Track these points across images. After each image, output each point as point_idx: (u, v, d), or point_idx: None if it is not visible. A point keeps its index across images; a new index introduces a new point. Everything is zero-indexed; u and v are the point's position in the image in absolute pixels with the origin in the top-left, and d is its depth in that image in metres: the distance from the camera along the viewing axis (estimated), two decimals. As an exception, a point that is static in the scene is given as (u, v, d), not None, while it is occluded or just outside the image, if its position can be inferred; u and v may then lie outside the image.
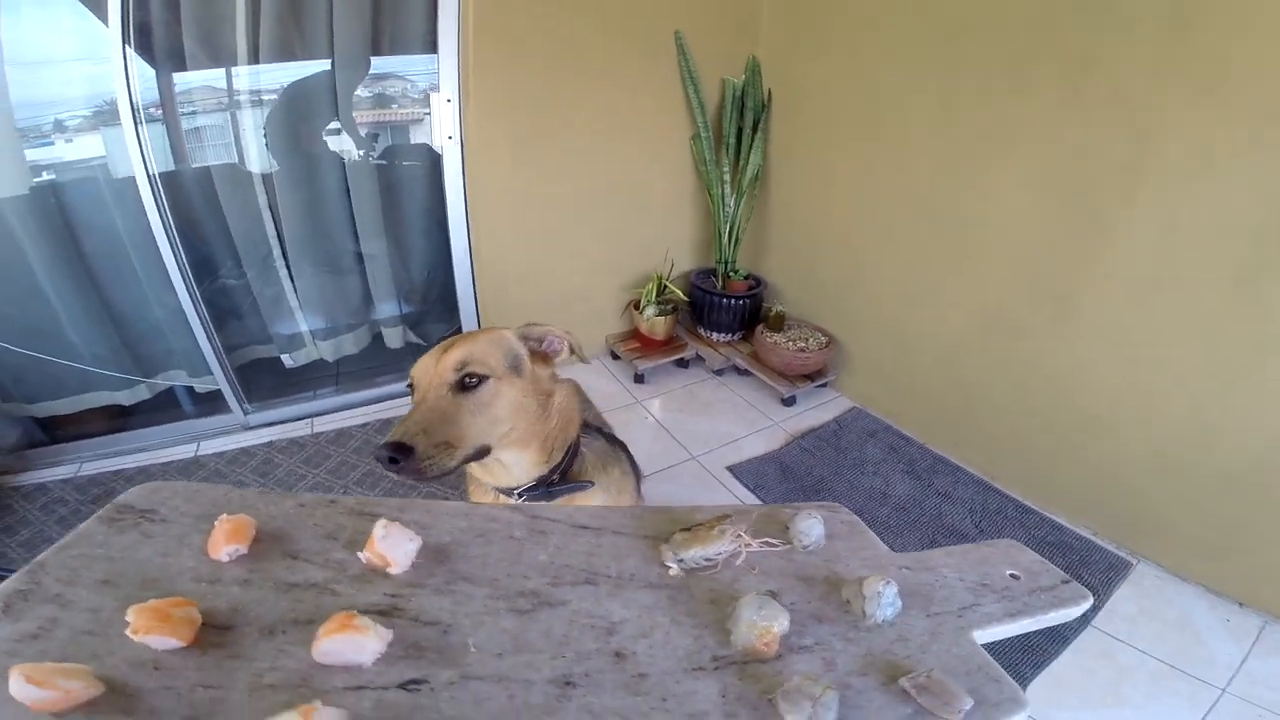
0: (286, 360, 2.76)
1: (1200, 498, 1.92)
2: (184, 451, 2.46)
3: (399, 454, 0.87)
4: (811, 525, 0.85)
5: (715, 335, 3.08)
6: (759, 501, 2.31)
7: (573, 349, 1.15)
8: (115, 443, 2.43)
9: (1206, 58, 1.62)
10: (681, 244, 3.15)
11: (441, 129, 2.48)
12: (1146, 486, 2.04)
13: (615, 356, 3.07)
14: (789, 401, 2.83)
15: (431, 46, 2.39)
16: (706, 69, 2.80)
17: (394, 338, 2.98)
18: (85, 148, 2.25)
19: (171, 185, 2.25)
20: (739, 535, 0.80)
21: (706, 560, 0.78)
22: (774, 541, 0.84)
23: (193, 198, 2.41)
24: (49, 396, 2.39)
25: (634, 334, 3.03)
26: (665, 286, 2.94)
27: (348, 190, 2.57)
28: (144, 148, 2.09)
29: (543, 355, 1.14)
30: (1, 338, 2.21)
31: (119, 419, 2.55)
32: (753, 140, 2.84)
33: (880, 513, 2.29)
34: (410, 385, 1.04)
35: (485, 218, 2.63)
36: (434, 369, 1.00)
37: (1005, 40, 2.04)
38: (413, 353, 2.99)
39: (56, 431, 2.44)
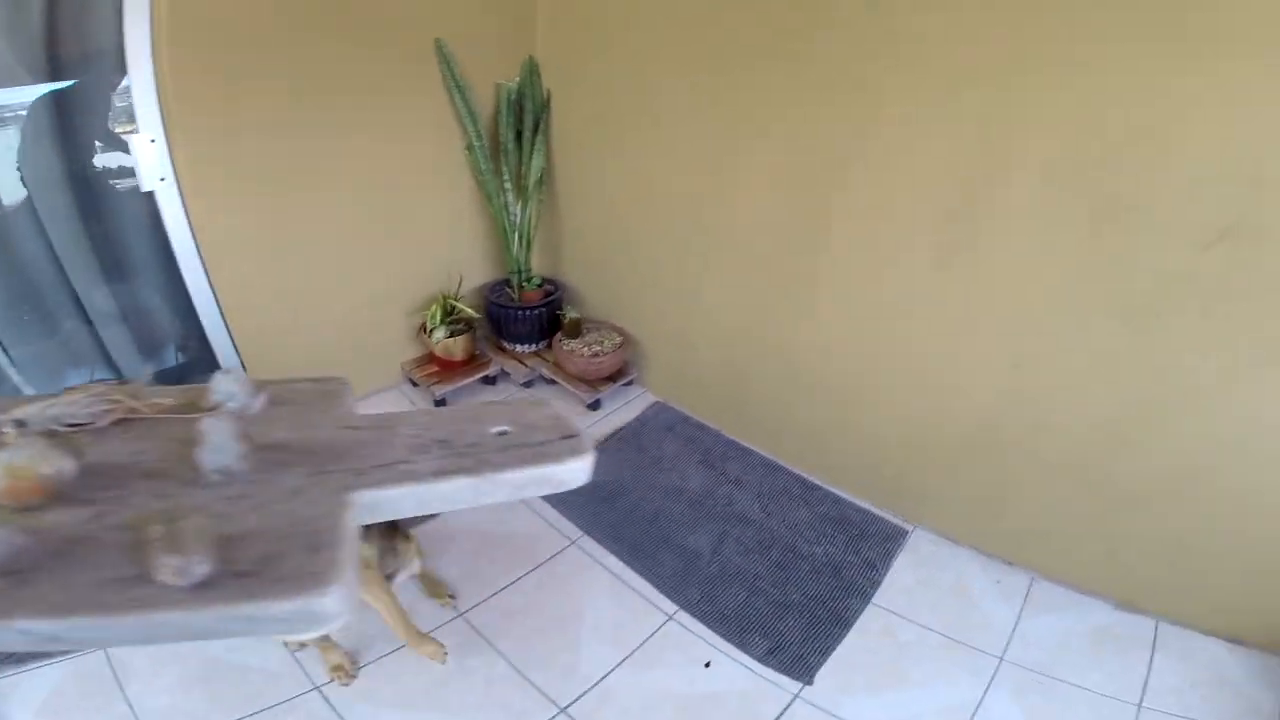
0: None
1: (951, 461, 2.14)
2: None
3: None
4: (226, 385, 0.87)
5: (519, 347, 3.04)
6: (560, 517, 2.35)
7: None
8: None
9: (903, 35, 1.75)
10: (474, 258, 3.05)
11: (150, 172, 2.20)
12: (906, 455, 2.26)
13: (414, 384, 2.96)
14: (594, 406, 2.87)
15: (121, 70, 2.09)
16: (480, 74, 2.68)
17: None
18: None
19: None
20: (109, 397, 0.84)
21: (64, 423, 0.80)
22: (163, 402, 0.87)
23: None
24: None
25: (430, 358, 2.93)
26: (453, 306, 2.85)
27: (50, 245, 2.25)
28: None
29: None
30: None
31: None
32: (534, 143, 2.76)
33: (676, 509, 2.39)
34: None
35: (228, 265, 2.39)
36: None
37: (737, 35, 2.10)
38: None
39: None
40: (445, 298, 2.85)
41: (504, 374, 3.04)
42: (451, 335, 2.84)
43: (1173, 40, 1.38)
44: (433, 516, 2.23)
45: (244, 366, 2.60)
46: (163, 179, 2.22)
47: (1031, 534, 2.07)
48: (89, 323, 2.44)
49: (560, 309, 2.88)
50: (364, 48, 2.39)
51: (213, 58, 2.12)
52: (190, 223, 2.30)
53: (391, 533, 1.73)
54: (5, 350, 2.32)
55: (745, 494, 2.46)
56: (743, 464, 2.61)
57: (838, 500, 2.43)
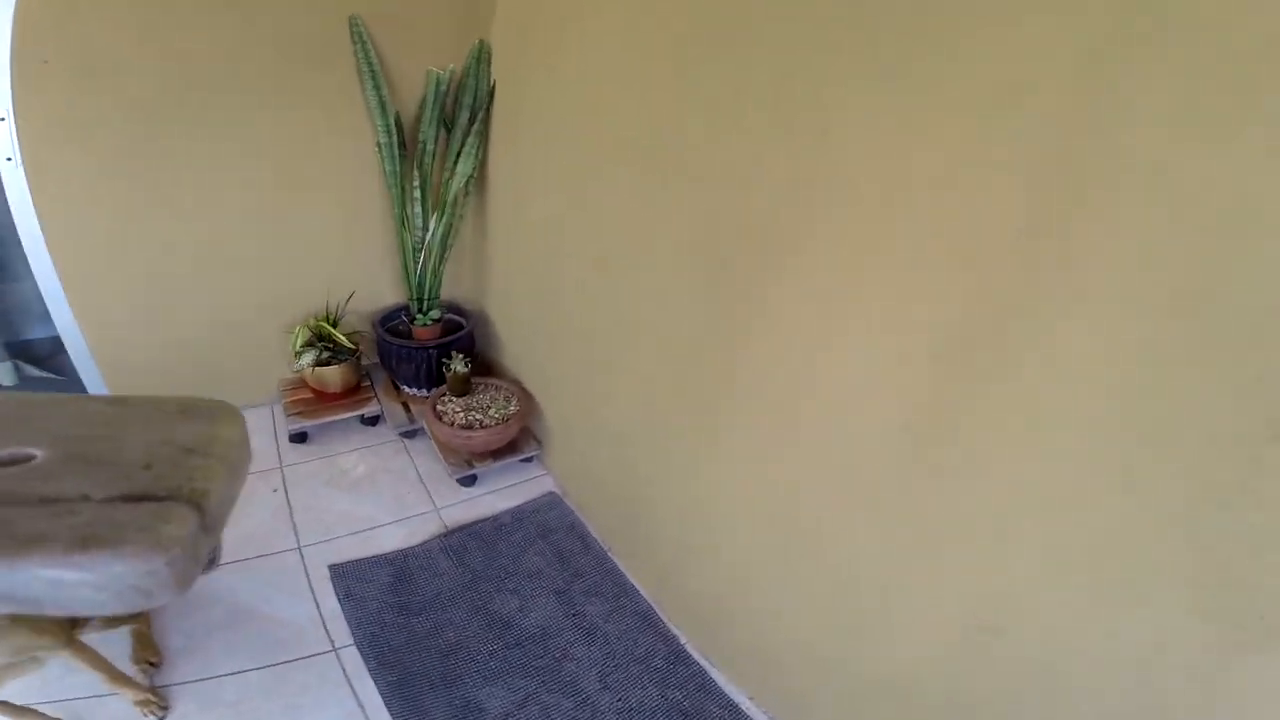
0: None
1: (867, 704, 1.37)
2: None
3: None
4: None
5: (409, 390, 2.55)
6: (338, 613, 1.80)
7: None
8: None
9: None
10: (381, 275, 2.62)
11: None
12: (810, 671, 1.50)
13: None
14: (467, 482, 2.31)
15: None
16: (413, 59, 2.28)
17: (4, 373, 2.45)
18: None
19: None
20: None
21: None
22: None
23: None
24: None
25: (305, 384, 2.49)
26: (325, 331, 2.40)
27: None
28: None
29: None
30: None
31: None
32: (463, 143, 2.29)
33: (487, 646, 1.78)
34: None
35: (78, 258, 2.12)
36: None
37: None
38: (31, 388, 2.47)
39: None
40: (317, 320, 2.41)
41: (386, 418, 2.55)
42: (325, 363, 2.39)
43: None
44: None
45: (98, 368, 2.29)
46: (9, 159, 1.96)
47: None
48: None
49: (449, 355, 2.35)
50: (256, 27, 2.07)
51: (68, 32, 1.87)
52: (35, 210, 2.04)
53: None
54: None
55: (590, 650, 1.81)
56: (609, 607, 1.94)
57: (704, 685, 1.72)
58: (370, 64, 2.21)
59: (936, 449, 1.06)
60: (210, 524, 1.12)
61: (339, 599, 1.86)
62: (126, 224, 2.16)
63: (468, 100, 2.31)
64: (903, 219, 1.03)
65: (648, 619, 1.91)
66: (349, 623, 1.79)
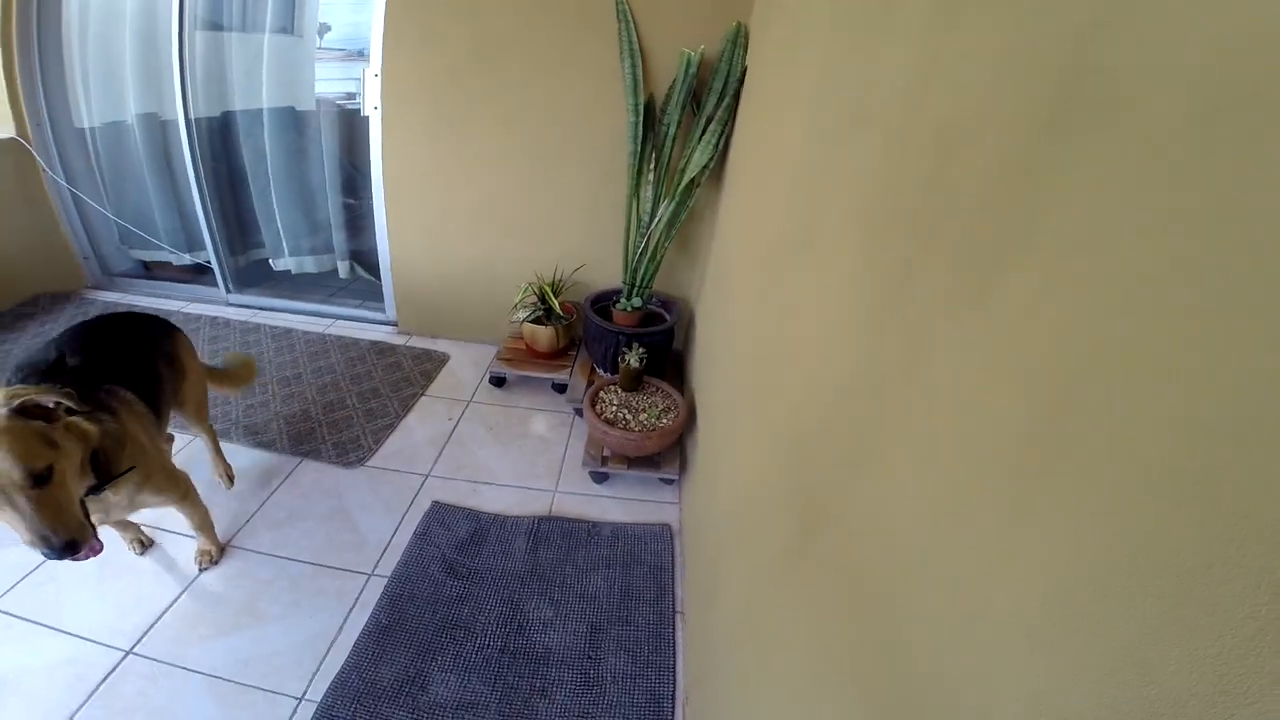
0: (272, 263, 3.29)
1: None
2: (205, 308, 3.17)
3: (73, 548, 1.15)
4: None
5: (599, 370, 2.48)
6: (404, 544, 1.87)
7: (60, 404, 1.19)
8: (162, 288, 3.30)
9: None
10: (616, 253, 2.60)
11: (369, 99, 2.55)
12: None
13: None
14: (598, 478, 2.15)
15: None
16: (668, 39, 2.22)
17: (344, 269, 3.27)
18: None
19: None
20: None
21: None
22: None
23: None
24: (142, 247, 3.35)
25: (521, 336, 2.65)
26: (544, 293, 2.48)
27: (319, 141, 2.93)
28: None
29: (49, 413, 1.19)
30: (121, 215, 3.20)
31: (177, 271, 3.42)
32: (705, 129, 2.11)
33: (485, 638, 1.63)
34: None
35: (396, 193, 2.69)
36: None
37: None
38: (363, 284, 3.24)
39: (151, 270, 3.42)
40: (543, 282, 2.51)
41: (570, 389, 2.54)
42: (537, 321, 2.50)
43: None
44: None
45: (393, 282, 2.90)
46: (375, 107, 2.55)
47: None
48: (325, 206, 3.11)
49: (628, 347, 2.18)
50: (540, 10, 2.26)
51: (413, 8, 2.33)
52: (382, 148, 2.61)
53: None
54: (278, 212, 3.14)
55: (575, 699, 1.48)
56: (631, 670, 1.55)
57: None
58: (630, 42, 2.18)
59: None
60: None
61: (415, 533, 1.92)
62: (429, 173, 2.61)
63: (717, 84, 2.11)
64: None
65: (656, 704, 1.48)
66: (403, 557, 1.83)
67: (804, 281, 1.09)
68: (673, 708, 1.48)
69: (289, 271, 3.26)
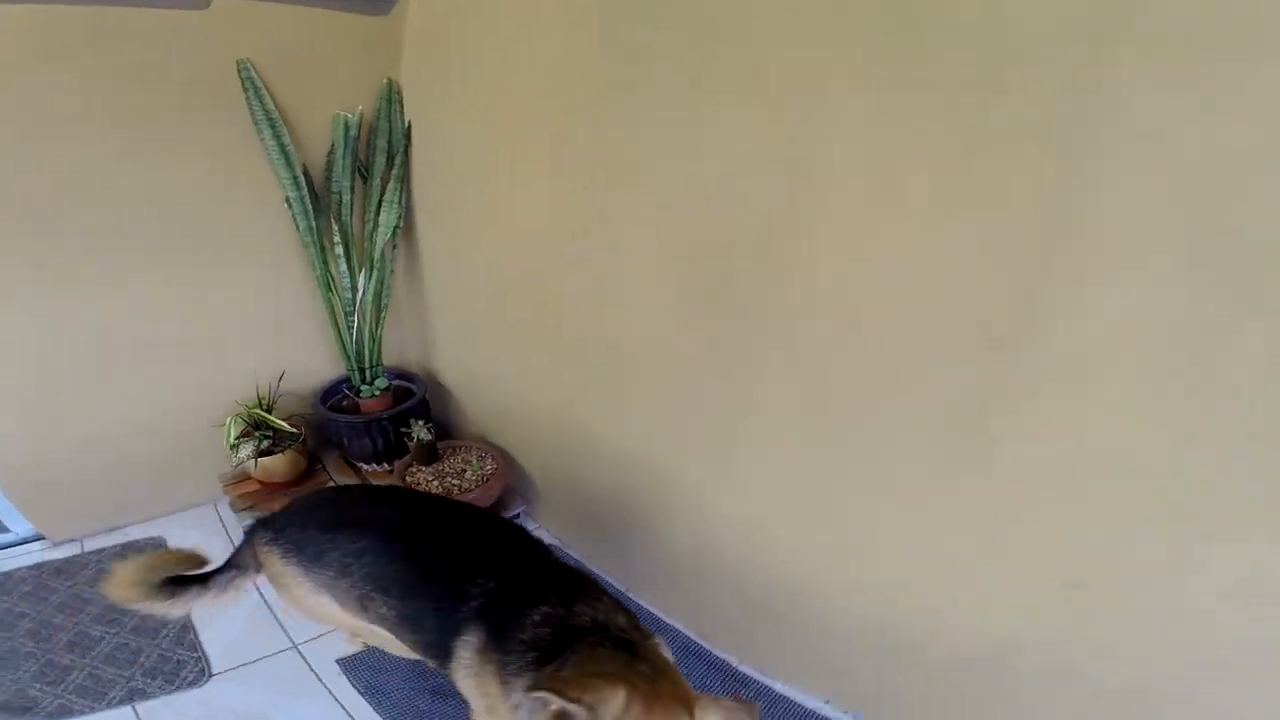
0: None
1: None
2: None
3: None
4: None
5: (367, 467, 2.45)
6: (365, 707, 1.72)
7: None
8: None
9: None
10: (313, 347, 2.49)
11: None
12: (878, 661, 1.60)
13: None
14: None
15: None
16: (314, 105, 2.14)
17: None
18: None
19: None
20: None
21: None
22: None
23: None
24: None
25: (247, 474, 2.32)
26: (260, 419, 2.25)
27: None
28: None
29: None
30: None
31: None
32: (384, 191, 2.20)
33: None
34: None
35: None
36: None
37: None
38: None
39: None
40: (249, 408, 2.26)
41: (346, 498, 2.42)
42: (266, 452, 2.23)
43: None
44: None
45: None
46: None
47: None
48: None
49: (408, 423, 2.28)
50: (125, 77, 1.88)
51: None
52: None
53: None
54: None
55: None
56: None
57: (775, 701, 1.77)
58: (266, 110, 2.03)
59: (982, 446, 1.19)
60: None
61: (360, 692, 1.77)
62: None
63: (382, 143, 2.20)
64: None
65: (691, 650, 1.94)
66: (382, 717, 1.71)
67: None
68: (700, 642, 1.97)
69: None
